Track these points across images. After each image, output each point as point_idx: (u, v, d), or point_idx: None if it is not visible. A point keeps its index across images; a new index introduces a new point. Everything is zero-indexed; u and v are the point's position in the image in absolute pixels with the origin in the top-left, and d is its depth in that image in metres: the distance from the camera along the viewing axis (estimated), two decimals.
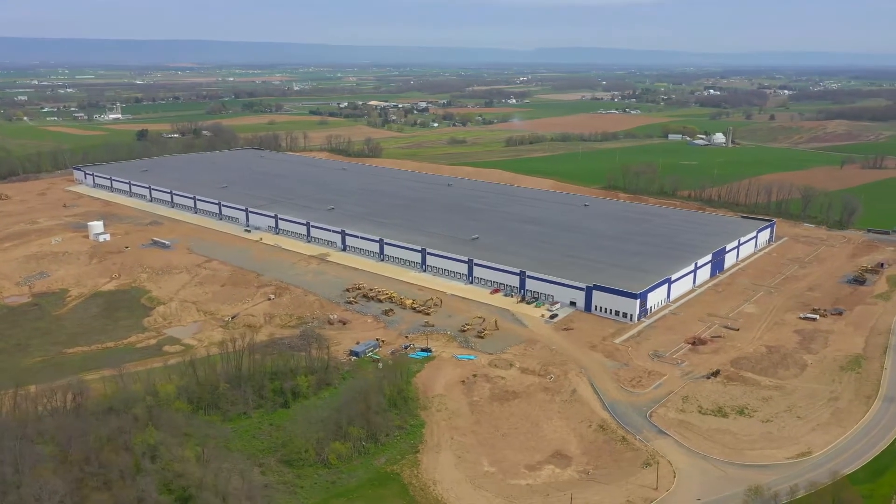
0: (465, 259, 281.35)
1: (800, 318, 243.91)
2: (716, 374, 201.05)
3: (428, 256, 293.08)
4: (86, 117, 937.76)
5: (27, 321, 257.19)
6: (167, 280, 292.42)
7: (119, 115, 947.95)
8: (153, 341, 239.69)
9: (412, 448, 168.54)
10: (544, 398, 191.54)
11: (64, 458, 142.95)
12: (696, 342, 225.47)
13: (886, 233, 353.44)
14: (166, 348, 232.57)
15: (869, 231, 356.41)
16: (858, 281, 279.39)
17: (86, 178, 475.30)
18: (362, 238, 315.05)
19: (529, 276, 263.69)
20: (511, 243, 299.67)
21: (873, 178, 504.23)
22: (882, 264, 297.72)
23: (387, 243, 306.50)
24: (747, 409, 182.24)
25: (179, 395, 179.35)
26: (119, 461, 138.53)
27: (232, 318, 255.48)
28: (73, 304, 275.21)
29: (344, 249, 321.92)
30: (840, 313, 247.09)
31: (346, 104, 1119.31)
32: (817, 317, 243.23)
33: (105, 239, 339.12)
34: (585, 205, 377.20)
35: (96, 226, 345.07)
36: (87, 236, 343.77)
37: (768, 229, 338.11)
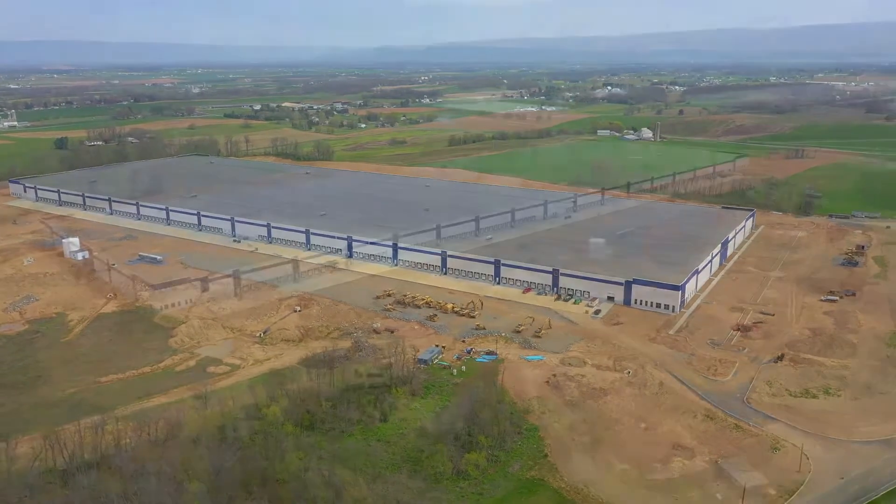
0: (492, 260, 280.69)
1: (821, 300, 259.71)
2: (780, 358, 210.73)
3: (448, 259, 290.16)
4: None
5: (35, 350, 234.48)
6: (173, 297, 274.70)
7: (15, 122, 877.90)
8: (192, 363, 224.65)
9: (539, 452, 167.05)
10: (633, 393, 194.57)
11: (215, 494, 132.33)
12: (743, 329, 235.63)
13: (847, 217, 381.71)
14: (211, 369, 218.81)
15: (831, 216, 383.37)
16: (851, 263, 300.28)
17: (26, 191, 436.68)
18: (373, 244, 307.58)
19: (563, 274, 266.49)
20: (525, 242, 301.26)
21: (802, 168, 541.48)
22: (863, 246, 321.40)
23: (401, 248, 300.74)
24: (830, 389, 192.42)
25: (286, 417, 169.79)
26: (294, 490, 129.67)
27: (263, 332, 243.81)
28: (78, 329, 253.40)
29: (350, 256, 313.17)
30: (853, 294, 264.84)
31: (259, 107, 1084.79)
32: (837, 298, 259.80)
33: (84, 257, 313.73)
34: (574, 202, 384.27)
35: (72, 243, 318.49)
36: (61, 254, 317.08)
37: (751, 219, 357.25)
